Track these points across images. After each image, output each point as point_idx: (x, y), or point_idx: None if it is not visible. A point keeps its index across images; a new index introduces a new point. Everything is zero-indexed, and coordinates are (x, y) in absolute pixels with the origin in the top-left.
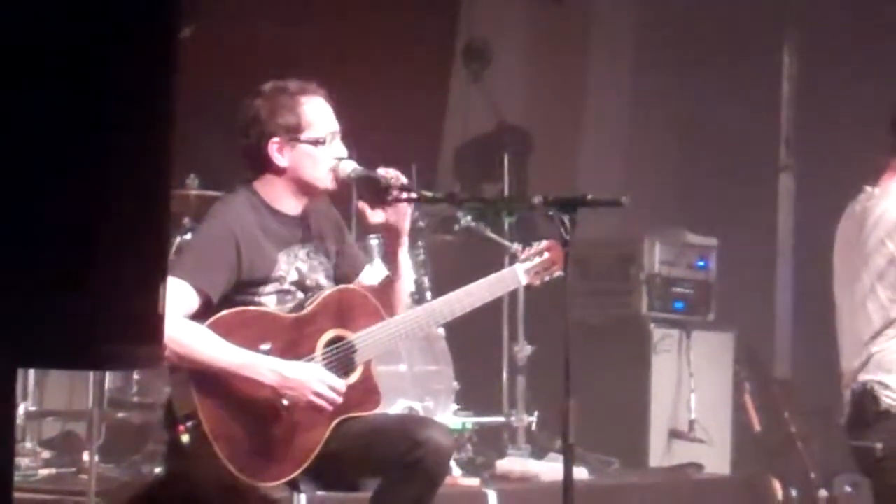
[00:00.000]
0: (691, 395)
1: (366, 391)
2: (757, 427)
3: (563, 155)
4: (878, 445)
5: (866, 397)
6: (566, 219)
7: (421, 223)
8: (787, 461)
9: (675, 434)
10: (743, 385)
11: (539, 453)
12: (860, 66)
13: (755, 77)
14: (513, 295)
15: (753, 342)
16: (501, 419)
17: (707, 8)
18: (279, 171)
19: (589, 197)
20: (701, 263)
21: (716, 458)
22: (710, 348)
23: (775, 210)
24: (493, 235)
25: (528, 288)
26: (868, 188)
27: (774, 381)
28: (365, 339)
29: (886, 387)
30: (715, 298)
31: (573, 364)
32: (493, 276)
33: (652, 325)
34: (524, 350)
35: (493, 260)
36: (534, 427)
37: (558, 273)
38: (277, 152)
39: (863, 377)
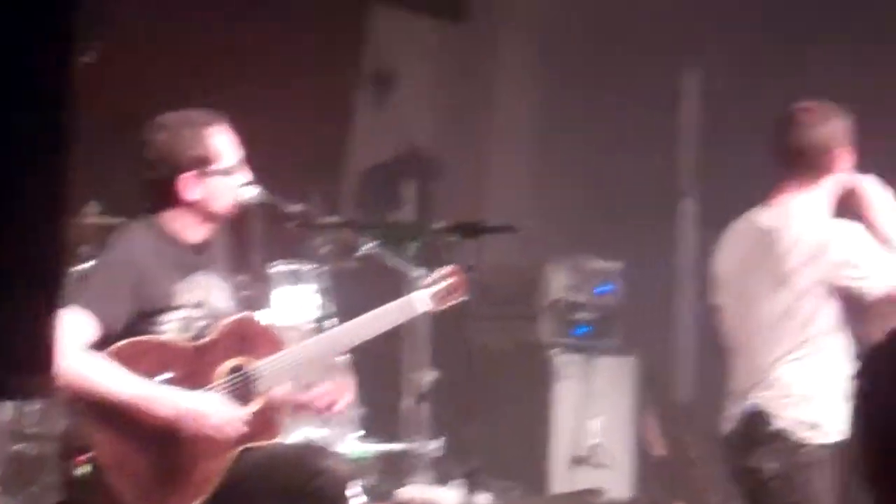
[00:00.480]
0: (594, 419)
1: (267, 420)
2: (659, 451)
3: (469, 180)
4: (773, 465)
5: (758, 417)
6: (468, 244)
7: (323, 250)
8: (689, 485)
9: (577, 459)
10: (645, 409)
11: (442, 480)
12: (761, 91)
13: (657, 102)
14: (415, 321)
15: (656, 366)
16: (404, 446)
17: (610, 33)
18: (187, 204)
19: (490, 223)
20: (604, 289)
21: (618, 483)
22: (613, 373)
23: (677, 235)
24: (396, 262)
25: (431, 314)
26: (759, 208)
27: (677, 405)
28: (267, 368)
29: (784, 408)
30: (618, 323)
31: (475, 390)
32: (395, 303)
33: (555, 351)
34: (427, 376)
35: (396, 286)
36: (437, 454)
37: (461, 298)
38: (188, 186)
39: (758, 395)
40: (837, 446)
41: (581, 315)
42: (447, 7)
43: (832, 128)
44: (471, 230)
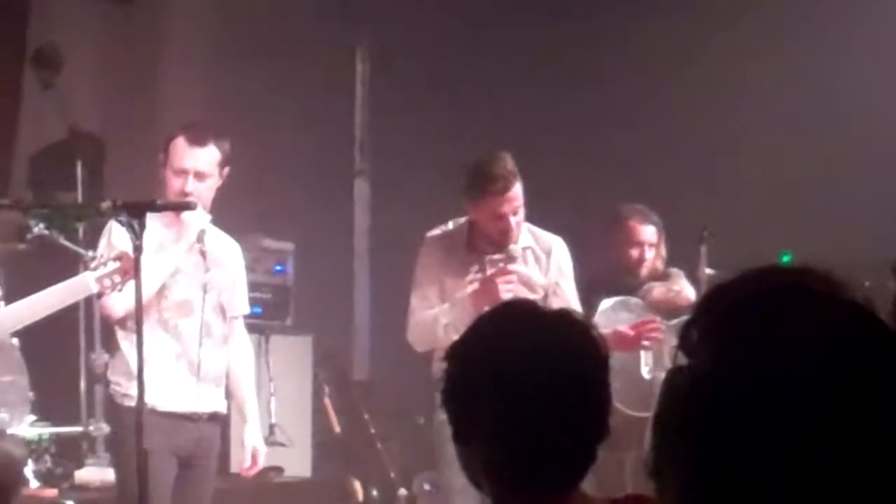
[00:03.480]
0: (271, 398)
1: None
2: (337, 429)
3: (138, 162)
4: None
5: None
6: (135, 224)
7: None
8: (367, 462)
9: None
10: (322, 388)
11: None
12: (431, 72)
13: (329, 82)
14: (89, 303)
15: (332, 345)
16: (80, 429)
17: (282, 12)
18: None
19: (158, 202)
20: (278, 268)
21: (297, 461)
22: (289, 352)
23: (351, 214)
24: (66, 243)
25: (100, 295)
26: None
27: (353, 383)
28: None
29: None
30: (293, 302)
31: None
32: (62, 284)
33: None
34: (101, 358)
35: (67, 268)
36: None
37: (127, 281)
38: None
39: None
40: None
41: (256, 294)
42: None
43: None
44: (139, 209)
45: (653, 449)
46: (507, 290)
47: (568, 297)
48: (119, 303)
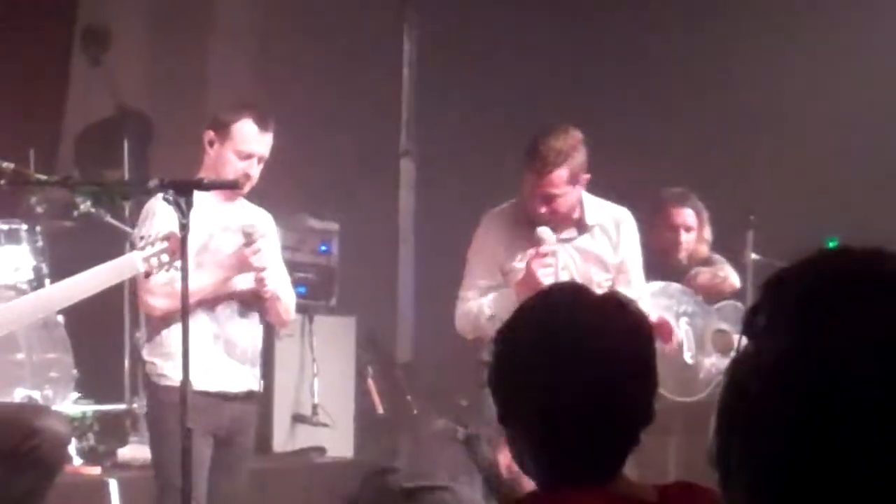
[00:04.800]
0: (314, 379)
1: None
2: (380, 410)
3: (186, 141)
4: None
5: None
6: (182, 202)
7: (39, 209)
8: (408, 444)
9: (298, 418)
10: (366, 369)
11: None
12: (479, 51)
13: (376, 62)
14: (134, 281)
15: (375, 326)
16: (123, 406)
17: None
18: None
19: (205, 180)
20: (323, 248)
21: (339, 442)
22: (333, 333)
23: (396, 195)
24: (113, 221)
25: (147, 275)
26: None
27: (396, 364)
28: None
29: None
30: (337, 283)
31: None
32: (109, 264)
33: None
34: (145, 336)
35: (113, 246)
36: None
37: (175, 262)
38: None
39: None
40: None
41: (300, 275)
42: None
43: None
44: (186, 188)
45: (717, 438)
46: (547, 275)
47: (632, 277)
48: (160, 303)
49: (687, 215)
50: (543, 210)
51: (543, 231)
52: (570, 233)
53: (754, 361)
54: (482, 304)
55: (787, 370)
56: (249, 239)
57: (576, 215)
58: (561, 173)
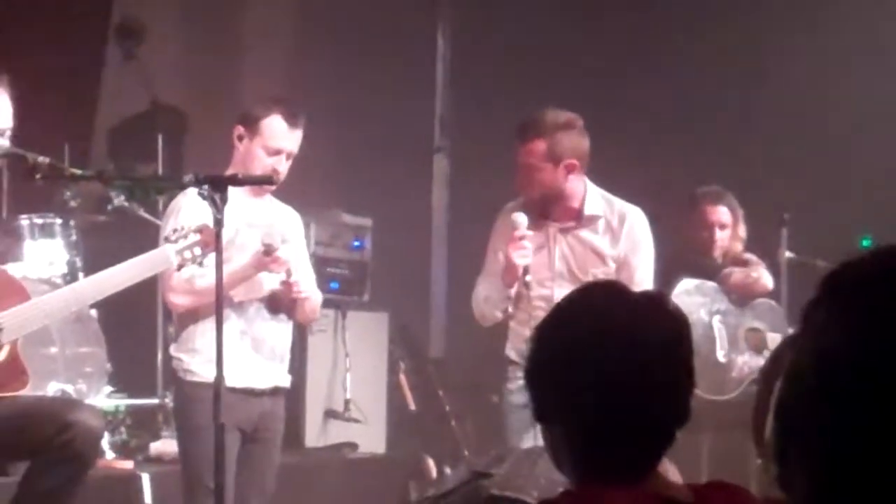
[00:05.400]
0: (347, 374)
1: (12, 371)
2: (412, 406)
3: (219, 136)
4: None
5: None
6: (217, 197)
7: (73, 203)
8: (441, 439)
9: (330, 414)
10: (398, 364)
11: None
12: (512, 48)
13: (410, 58)
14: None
15: (408, 321)
16: (156, 401)
17: None
18: None
19: (240, 175)
20: (356, 244)
21: (371, 438)
22: (366, 328)
23: (430, 191)
24: (146, 215)
25: (179, 268)
26: None
27: (429, 360)
28: (10, 319)
29: None
30: (370, 278)
31: None
32: (142, 257)
33: None
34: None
35: (147, 240)
36: None
37: (209, 253)
38: None
39: None
40: None
41: (333, 270)
42: None
43: None
44: (219, 183)
45: (776, 436)
46: (522, 257)
47: (635, 274)
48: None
49: (722, 213)
50: (520, 182)
51: (517, 216)
52: (570, 223)
53: (815, 355)
54: (480, 289)
55: (854, 361)
56: (269, 249)
57: (576, 206)
58: (539, 145)
